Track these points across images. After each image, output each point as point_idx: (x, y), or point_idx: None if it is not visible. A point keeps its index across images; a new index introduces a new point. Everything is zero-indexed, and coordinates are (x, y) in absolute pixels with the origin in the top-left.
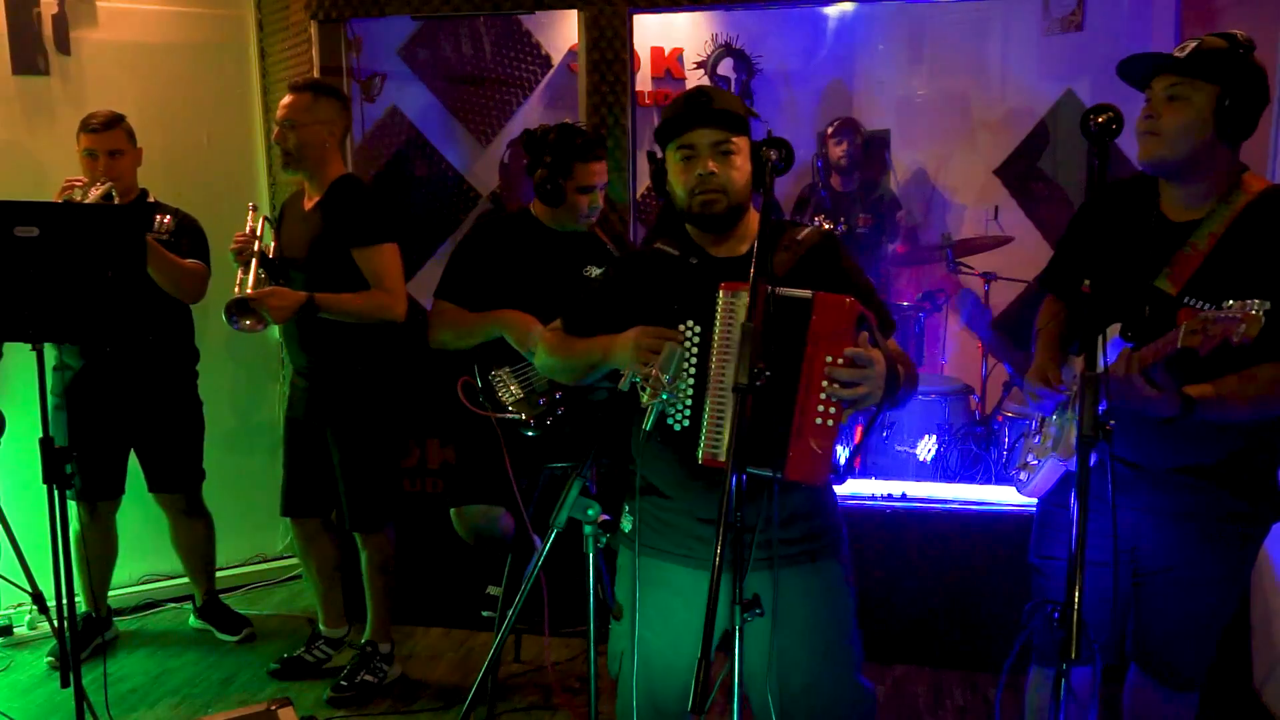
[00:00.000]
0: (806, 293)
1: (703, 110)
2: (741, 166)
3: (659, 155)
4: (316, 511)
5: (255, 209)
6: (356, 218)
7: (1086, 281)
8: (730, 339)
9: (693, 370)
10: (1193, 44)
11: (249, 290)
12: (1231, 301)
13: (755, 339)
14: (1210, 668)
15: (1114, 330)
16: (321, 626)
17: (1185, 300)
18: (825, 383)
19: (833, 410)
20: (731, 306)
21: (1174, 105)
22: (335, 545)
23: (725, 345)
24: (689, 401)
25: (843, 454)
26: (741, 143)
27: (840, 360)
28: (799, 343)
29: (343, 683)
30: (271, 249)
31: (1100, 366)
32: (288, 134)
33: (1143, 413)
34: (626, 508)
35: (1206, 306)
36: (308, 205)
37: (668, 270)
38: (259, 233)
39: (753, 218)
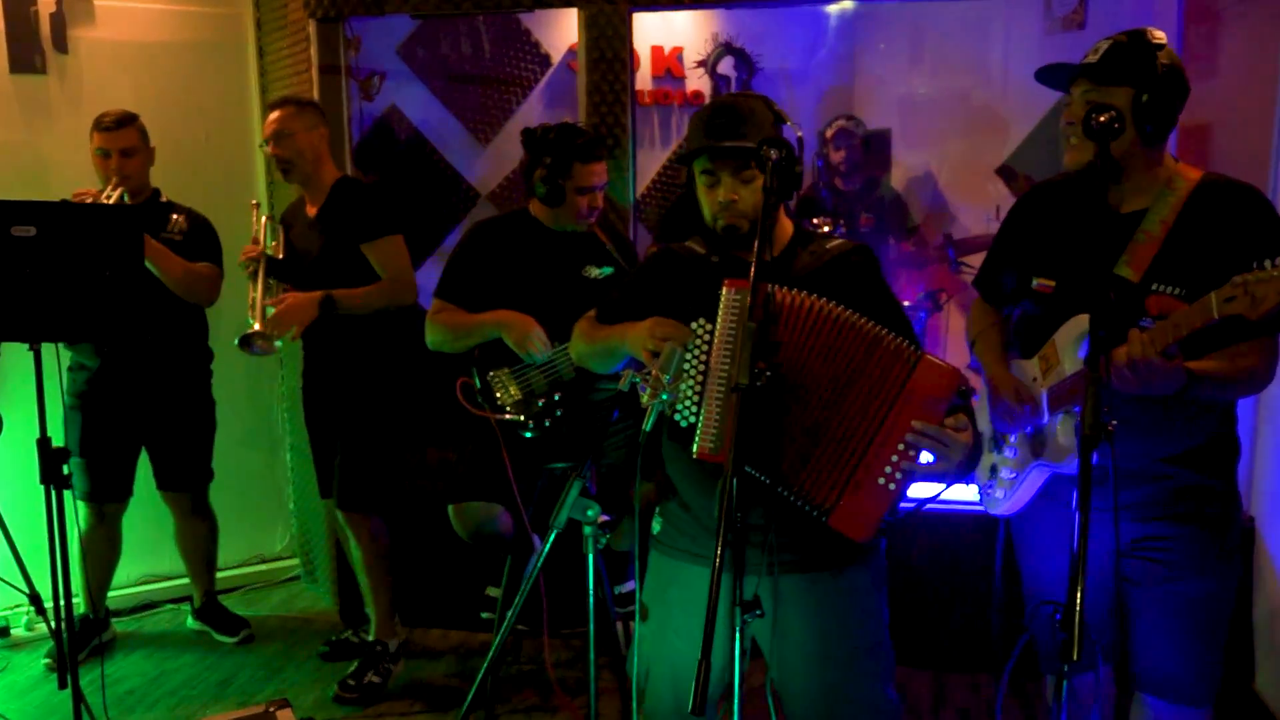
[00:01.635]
0: (917, 350)
1: (722, 143)
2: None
3: (685, 151)
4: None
5: (258, 206)
6: (361, 215)
7: (1037, 281)
8: (731, 335)
9: (701, 367)
10: (1105, 45)
11: (255, 325)
12: (1270, 261)
13: (755, 339)
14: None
15: (1076, 325)
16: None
17: (1153, 287)
18: (902, 446)
19: (899, 475)
20: (734, 303)
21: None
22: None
23: (726, 341)
24: (696, 399)
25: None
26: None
27: (928, 427)
28: (890, 395)
29: (350, 682)
30: (279, 248)
31: (1078, 363)
32: (285, 143)
33: (1145, 393)
34: (658, 510)
35: (1175, 291)
36: (311, 212)
37: (692, 267)
38: (262, 240)
39: (785, 224)
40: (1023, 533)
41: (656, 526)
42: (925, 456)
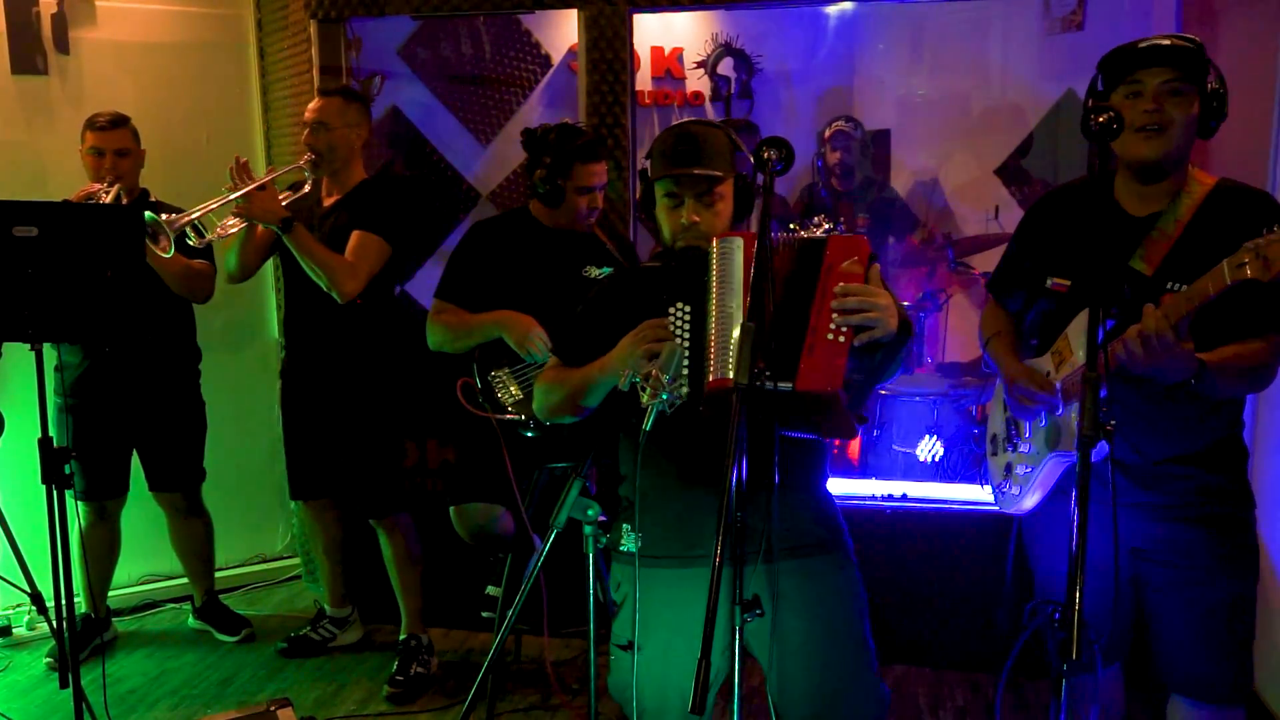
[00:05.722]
0: (822, 234)
1: (687, 168)
2: (724, 211)
3: (649, 175)
4: (323, 493)
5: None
6: (372, 206)
7: (1052, 280)
8: (729, 278)
9: (687, 347)
10: (1171, 42)
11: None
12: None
13: (754, 338)
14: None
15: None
16: (327, 607)
17: (1168, 285)
18: (835, 304)
19: (844, 330)
20: (726, 250)
21: (1176, 100)
22: (339, 527)
23: (725, 287)
24: (685, 372)
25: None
26: (726, 188)
27: (849, 286)
28: (814, 273)
29: (398, 678)
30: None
31: (1096, 358)
32: (320, 135)
33: (1155, 375)
34: (625, 526)
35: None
36: (326, 202)
37: (652, 276)
38: (269, 180)
39: None
40: (1035, 533)
41: (629, 544)
42: (861, 317)
